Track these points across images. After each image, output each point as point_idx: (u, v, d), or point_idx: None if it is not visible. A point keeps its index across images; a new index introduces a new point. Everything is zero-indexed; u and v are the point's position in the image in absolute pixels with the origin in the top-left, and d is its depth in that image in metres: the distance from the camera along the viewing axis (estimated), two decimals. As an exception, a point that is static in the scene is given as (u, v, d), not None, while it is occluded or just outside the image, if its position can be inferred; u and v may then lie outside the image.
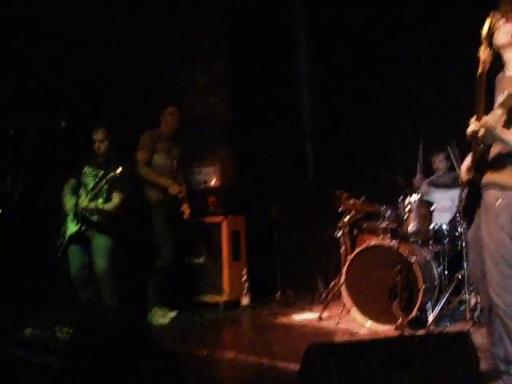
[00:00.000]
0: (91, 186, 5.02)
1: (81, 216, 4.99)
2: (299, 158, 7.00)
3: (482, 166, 3.16)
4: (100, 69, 6.00)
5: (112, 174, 4.84)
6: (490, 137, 3.01)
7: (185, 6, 6.37)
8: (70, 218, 5.06)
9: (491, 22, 2.84)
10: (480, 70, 2.92)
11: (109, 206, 5.04)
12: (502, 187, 3.08)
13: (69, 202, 5.08)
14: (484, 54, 2.86)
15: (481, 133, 2.96)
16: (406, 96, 6.10)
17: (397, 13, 5.96)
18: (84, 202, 4.93)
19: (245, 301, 5.84)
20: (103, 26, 5.93)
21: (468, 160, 3.34)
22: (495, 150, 3.14)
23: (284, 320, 5.38)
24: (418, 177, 5.72)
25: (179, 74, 6.64)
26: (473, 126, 2.99)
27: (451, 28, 5.47)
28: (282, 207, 6.48)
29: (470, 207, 3.36)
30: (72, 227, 5.03)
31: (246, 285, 5.85)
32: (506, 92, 3.14)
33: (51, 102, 5.61)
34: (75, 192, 5.15)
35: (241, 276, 5.88)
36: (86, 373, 2.96)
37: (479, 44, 2.94)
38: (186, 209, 5.73)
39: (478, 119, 2.96)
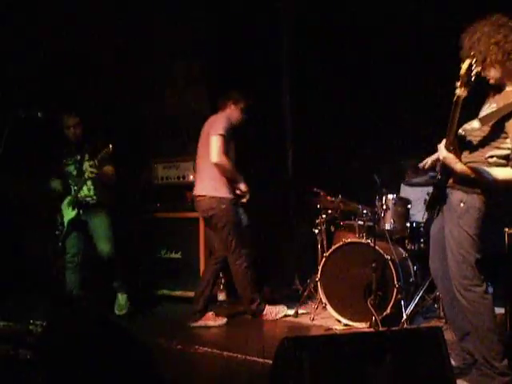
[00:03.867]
0: (78, 171, 5.19)
1: (77, 201, 5.18)
2: (279, 156, 7.00)
3: (448, 170, 3.24)
4: (79, 64, 5.98)
5: (104, 152, 4.91)
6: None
7: (165, 4, 6.35)
8: (65, 205, 5.24)
9: (471, 62, 2.88)
10: (456, 99, 2.96)
11: (108, 169, 5.20)
12: (466, 190, 3.17)
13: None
14: (460, 90, 2.91)
15: (444, 162, 3.14)
16: (383, 99, 6.16)
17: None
18: (88, 170, 5.04)
19: (221, 296, 5.84)
20: (83, 20, 5.90)
21: (436, 154, 3.41)
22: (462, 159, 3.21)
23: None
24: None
25: (159, 70, 6.61)
26: (440, 153, 3.16)
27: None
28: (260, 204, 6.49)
29: (433, 205, 3.44)
30: (69, 213, 5.20)
31: (223, 281, 5.85)
32: (493, 105, 3.18)
33: (28, 94, 5.58)
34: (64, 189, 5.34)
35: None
36: (59, 366, 2.94)
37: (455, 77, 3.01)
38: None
39: (449, 142, 3.08)
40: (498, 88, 3.20)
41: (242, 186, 5.10)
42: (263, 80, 6.53)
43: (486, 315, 3.17)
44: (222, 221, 5.01)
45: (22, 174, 5.61)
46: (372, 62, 6.17)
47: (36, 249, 5.79)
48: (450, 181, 3.25)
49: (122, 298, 5.44)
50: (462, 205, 3.17)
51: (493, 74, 3.14)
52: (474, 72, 2.90)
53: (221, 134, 4.92)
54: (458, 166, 3.11)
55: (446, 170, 3.22)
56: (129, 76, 6.29)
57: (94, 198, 5.29)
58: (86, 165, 5.12)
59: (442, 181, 3.28)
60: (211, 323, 5.04)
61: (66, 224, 5.25)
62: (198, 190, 5.10)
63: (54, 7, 5.70)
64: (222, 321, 5.12)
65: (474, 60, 2.89)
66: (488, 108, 3.22)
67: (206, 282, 5.10)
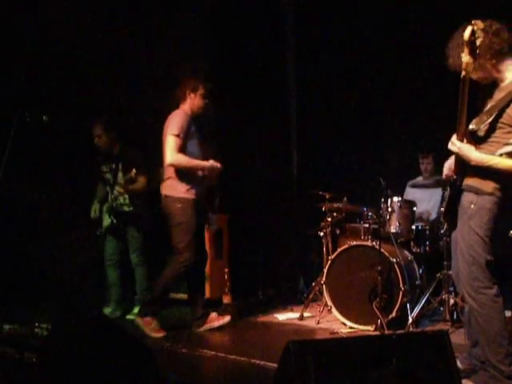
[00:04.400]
0: (114, 180, 5.40)
1: (112, 208, 5.40)
2: (283, 158, 7.00)
3: (463, 169, 3.21)
4: (85, 67, 5.99)
5: (128, 175, 5.12)
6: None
7: (171, 5, 6.35)
8: (104, 211, 5.49)
9: (473, 28, 2.88)
10: (463, 73, 2.95)
11: (137, 185, 5.32)
12: (477, 191, 3.15)
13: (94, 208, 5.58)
14: (466, 57, 2.90)
15: (459, 153, 3.12)
16: (391, 98, 6.14)
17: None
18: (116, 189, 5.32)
19: (226, 299, 5.83)
20: (83, 20, 5.90)
21: (451, 159, 3.38)
22: None
23: (265, 319, 5.38)
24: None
25: (164, 71, 6.61)
26: (453, 147, 3.15)
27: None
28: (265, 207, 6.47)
29: (451, 208, 3.40)
30: (106, 220, 5.47)
31: (228, 284, 5.84)
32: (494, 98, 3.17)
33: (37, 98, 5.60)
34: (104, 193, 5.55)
35: (223, 275, 5.86)
36: (64, 369, 2.93)
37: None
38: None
39: (461, 132, 3.07)
40: (493, 86, 3.20)
41: (206, 164, 4.82)
42: (265, 80, 6.53)
43: (496, 318, 3.14)
44: (176, 220, 4.74)
45: (26, 176, 5.61)
46: (376, 62, 6.16)
47: (42, 252, 5.78)
48: (464, 182, 3.23)
49: (137, 310, 5.46)
50: (472, 206, 3.15)
51: (480, 75, 3.16)
52: (479, 40, 2.90)
53: (173, 134, 4.70)
54: (474, 155, 3.08)
55: (461, 166, 3.20)
56: (129, 76, 6.29)
57: (131, 206, 5.43)
58: (120, 175, 5.31)
59: (459, 180, 3.25)
60: (216, 324, 5.00)
61: (103, 229, 5.51)
62: (161, 189, 4.93)
63: (54, 7, 5.70)
64: (226, 319, 5.04)
65: (476, 27, 2.88)
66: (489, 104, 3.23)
67: (192, 286, 5.07)
